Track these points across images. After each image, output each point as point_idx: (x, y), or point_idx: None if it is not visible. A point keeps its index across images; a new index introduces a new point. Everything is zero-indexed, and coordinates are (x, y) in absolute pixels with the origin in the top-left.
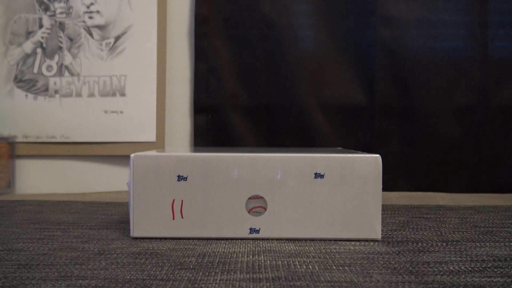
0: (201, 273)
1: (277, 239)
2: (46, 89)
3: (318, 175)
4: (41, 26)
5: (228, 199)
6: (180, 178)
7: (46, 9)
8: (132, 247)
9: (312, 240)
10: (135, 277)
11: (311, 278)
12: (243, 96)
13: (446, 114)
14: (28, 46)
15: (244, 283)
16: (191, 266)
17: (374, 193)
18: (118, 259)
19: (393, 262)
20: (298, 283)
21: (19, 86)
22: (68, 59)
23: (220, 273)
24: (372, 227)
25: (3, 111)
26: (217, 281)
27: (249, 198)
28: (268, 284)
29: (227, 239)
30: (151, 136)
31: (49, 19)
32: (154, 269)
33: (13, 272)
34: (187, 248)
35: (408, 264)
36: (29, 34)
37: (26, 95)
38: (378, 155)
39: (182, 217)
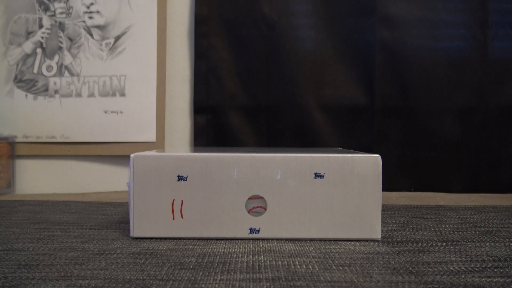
0: (201, 273)
1: (277, 239)
2: (46, 89)
3: (318, 175)
4: (41, 26)
5: (228, 199)
6: (180, 178)
7: (46, 9)
8: (132, 247)
9: (312, 240)
10: (135, 277)
11: (311, 278)
12: (243, 96)
13: (446, 114)
14: (28, 46)
15: (244, 283)
16: (191, 266)
17: (374, 193)
18: (118, 259)
19: (393, 262)
20: (298, 283)
21: (19, 86)
22: (68, 59)
23: (220, 273)
24: (372, 227)
25: (3, 111)
26: (217, 281)
27: (249, 198)
28: (268, 284)
29: (227, 239)
30: (151, 136)
31: (49, 19)
32: (154, 269)
33: (13, 272)
34: (187, 248)
35: (408, 264)
36: (29, 34)
37: (26, 95)
38: (378, 155)
39: (182, 217)
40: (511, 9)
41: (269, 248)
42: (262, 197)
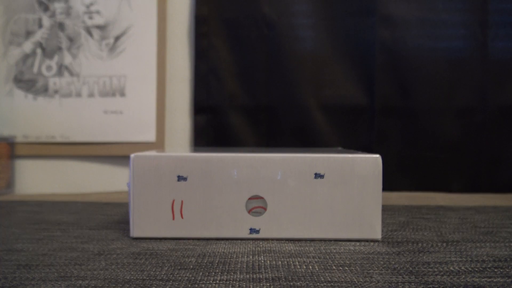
0: (201, 273)
1: (277, 239)
2: (46, 89)
3: (318, 175)
4: (40, 26)
5: (228, 199)
6: (180, 178)
7: (46, 9)
8: (132, 247)
9: (312, 240)
10: (135, 277)
11: (311, 278)
12: (243, 96)
13: (446, 114)
14: (27, 46)
15: (244, 283)
16: (191, 266)
17: (374, 193)
18: (118, 260)
19: (393, 263)
20: (298, 283)
21: (19, 86)
22: (67, 59)
23: (220, 273)
24: (372, 227)
25: (3, 111)
26: (217, 281)
27: (249, 198)
28: (268, 284)
29: (227, 239)
30: (151, 136)
31: (49, 19)
32: (154, 269)
33: (13, 272)
34: (187, 248)
35: (408, 264)
36: (28, 34)
37: (26, 95)
38: (378, 155)
39: (182, 217)
40: (511, 9)
41: (269, 248)
42: (262, 197)
